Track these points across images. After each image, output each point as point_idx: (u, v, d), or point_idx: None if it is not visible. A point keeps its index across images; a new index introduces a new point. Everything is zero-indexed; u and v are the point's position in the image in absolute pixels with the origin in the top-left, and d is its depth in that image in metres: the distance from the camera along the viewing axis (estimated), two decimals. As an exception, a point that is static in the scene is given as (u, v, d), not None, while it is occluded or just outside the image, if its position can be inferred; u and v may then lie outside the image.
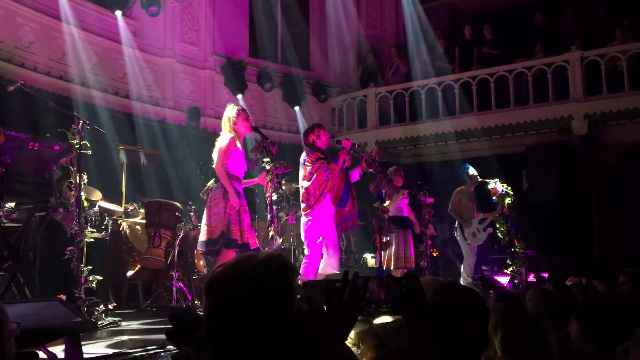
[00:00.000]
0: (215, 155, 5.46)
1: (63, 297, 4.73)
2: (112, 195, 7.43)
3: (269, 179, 5.34)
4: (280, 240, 5.94)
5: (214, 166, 5.47)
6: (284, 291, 1.35)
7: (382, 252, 7.02)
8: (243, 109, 5.60)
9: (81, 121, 5.08)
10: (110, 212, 7.23)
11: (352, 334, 2.13)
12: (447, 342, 1.66)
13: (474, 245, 8.77)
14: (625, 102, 9.78)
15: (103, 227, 6.97)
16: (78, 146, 4.97)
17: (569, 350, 2.25)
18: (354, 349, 2.08)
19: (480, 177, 8.77)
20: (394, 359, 1.57)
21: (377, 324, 2.40)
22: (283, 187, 7.64)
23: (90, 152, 5.17)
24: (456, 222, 8.81)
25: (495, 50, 11.43)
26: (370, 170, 6.29)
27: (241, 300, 1.31)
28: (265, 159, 5.38)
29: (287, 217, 7.82)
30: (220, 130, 5.62)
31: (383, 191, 7.06)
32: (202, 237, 5.33)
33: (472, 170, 8.75)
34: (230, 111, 5.55)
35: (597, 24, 11.48)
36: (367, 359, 2.04)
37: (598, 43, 10.66)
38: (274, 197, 5.48)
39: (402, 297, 1.55)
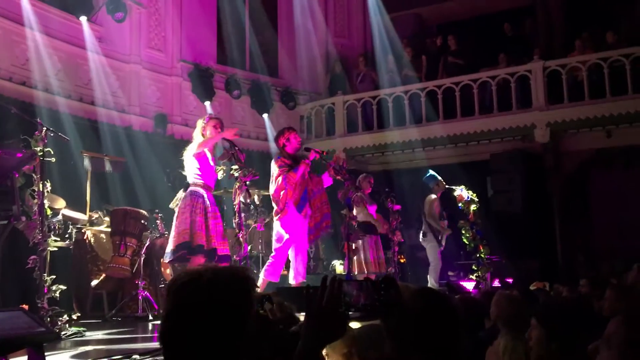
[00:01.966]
0: (187, 155, 5.51)
1: (26, 307, 4.63)
2: (76, 203, 7.29)
3: (237, 186, 5.35)
4: (249, 247, 5.94)
5: (184, 172, 5.53)
6: (235, 303, 1.35)
7: (350, 259, 7.06)
8: (214, 117, 5.70)
9: (44, 128, 4.98)
10: (75, 221, 7.10)
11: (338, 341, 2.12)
12: (424, 348, 1.68)
13: (439, 251, 8.92)
14: (585, 111, 10.07)
15: (67, 236, 6.85)
16: (41, 153, 4.87)
17: (527, 355, 2.31)
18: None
19: (446, 185, 8.92)
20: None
21: (351, 328, 2.40)
22: (251, 195, 7.62)
23: (54, 159, 5.08)
24: (424, 228, 8.91)
25: (459, 60, 11.65)
26: (338, 177, 6.34)
27: (192, 306, 1.32)
28: (234, 167, 5.39)
29: (255, 225, 7.80)
30: (188, 137, 5.67)
31: (351, 198, 7.11)
32: (169, 247, 5.37)
33: (438, 177, 8.90)
34: (201, 120, 5.71)
35: (557, 34, 11.79)
36: None
37: (559, 53, 10.96)
38: (242, 205, 5.52)
39: (381, 301, 1.56)
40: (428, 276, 8.87)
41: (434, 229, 8.84)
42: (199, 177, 5.52)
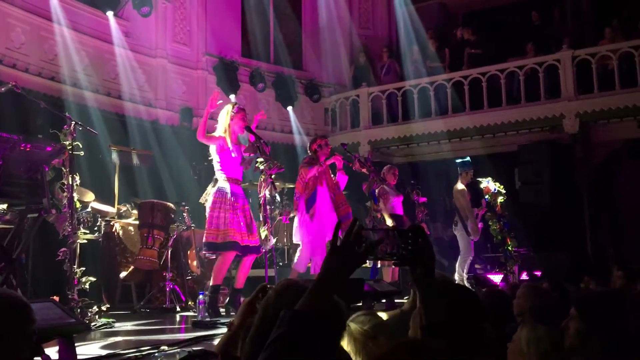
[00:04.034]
0: (212, 151, 5.53)
1: (56, 298, 4.72)
2: (104, 196, 7.40)
3: (262, 179, 5.36)
4: (274, 240, 5.96)
5: (212, 163, 5.56)
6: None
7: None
8: (242, 109, 5.63)
9: (73, 122, 5.05)
10: (103, 213, 7.20)
11: (352, 325, 2.12)
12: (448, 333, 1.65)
13: (471, 241, 8.79)
14: (615, 101, 9.86)
15: (96, 229, 6.94)
16: (70, 147, 4.93)
17: (561, 346, 2.26)
18: (369, 344, 2.06)
19: (473, 176, 8.81)
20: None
21: (381, 316, 2.38)
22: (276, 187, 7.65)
23: (82, 153, 5.14)
24: (455, 218, 8.77)
25: (478, 50, 11.49)
26: (363, 170, 6.33)
27: None
28: (259, 159, 5.39)
29: (280, 217, 7.82)
30: (214, 130, 5.64)
31: (376, 191, 7.08)
32: (204, 238, 5.45)
33: (471, 167, 8.77)
34: (229, 106, 5.61)
35: (586, 22, 11.55)
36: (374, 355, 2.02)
37: (588, 42, 10.73)
38: (268, 197, 5.52)
39: (409, 249, 1.55)
40: (457, 265, 8.74)
41: (464, 218, 8.71)
42: (221, 172, 5.50)
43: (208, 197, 5.63)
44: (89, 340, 4.08)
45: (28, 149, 4.53)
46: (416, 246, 1.55)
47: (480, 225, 8.64)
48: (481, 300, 1.88)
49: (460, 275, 8.56)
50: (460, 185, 8.70)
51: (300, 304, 1.38)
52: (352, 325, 2.11)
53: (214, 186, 5.64)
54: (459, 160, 8.92)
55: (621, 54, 9.94)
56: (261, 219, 5.53)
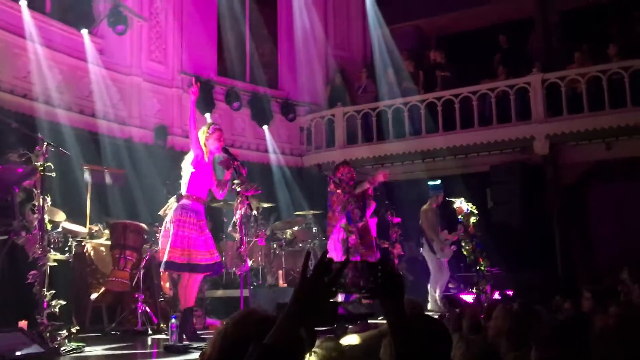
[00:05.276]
0: (185, 165, 5.46)
1: (25, 322, 4.62)
2: (76, 215, 7.29)
3: (239, 201, 5.34)
4: (251, 262, 5.93)
5: (181, 181, 5.49)
6: None
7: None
8: (218, 129, 5.62)
9: (45, 143, 4.98)
10: (74, 233, 7.08)
11: (318, 351, 2.13)
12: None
13: (444, 260, 8.89)
14: (584, 123, 10.10)
15: (67, 249, 6.83)
16: (42, 168, 4.87)
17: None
18: None
19: (446, 196, 8.94)
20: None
21: (344, 345, 2.40)
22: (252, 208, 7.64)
23: (54, 174, 5.07)
24: (422, 239, 8.91)
25: (446, 72, 11.70)
26: (338, 190, 6.36)
27: None
28: (236, 181, 5.38)
29: (256, 239, 7.76)
30: (188, 149, 5.62)
31: (350, 211, 7.12)
32: (164, 257, 5.28)
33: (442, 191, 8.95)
34: (205, 127, 5.59)
35: (556, 47, 11.84)
36: None
37: (558, 66, 11.00)
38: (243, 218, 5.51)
39: (378, 282, 1.56)
40: (429, 286, 8.84)
41: (430, 239, 8.85)
42: (191, 189, 5.44)
43: (169, 212, 5.53)
44: (58, 367, 3.99)
45: (-1, 171, 4.46)
46: (385, 279, 1.58)
47: (453, 247, 8.76)
48: (449, 331, 1.93)
49: (432, 296, 8.65)
50: (426, 207, 8.85)
51: (270, 337, 1.38)
52: (320, 352, 2.13)
53: (177, 201, 5.54)
54: (430, 183, 9.08)
55: (589, 78, 10.21)
56: (236, 240, 5.50)
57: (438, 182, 9.17)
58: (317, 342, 2.14)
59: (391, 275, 1.60)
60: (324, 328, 1.94)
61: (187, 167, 5.46)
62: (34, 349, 2.80)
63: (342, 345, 2.29)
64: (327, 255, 1.46)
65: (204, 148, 5.47)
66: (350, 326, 4.93)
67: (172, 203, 5.58)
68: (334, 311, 1.46)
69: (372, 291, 1.59)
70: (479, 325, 4.00)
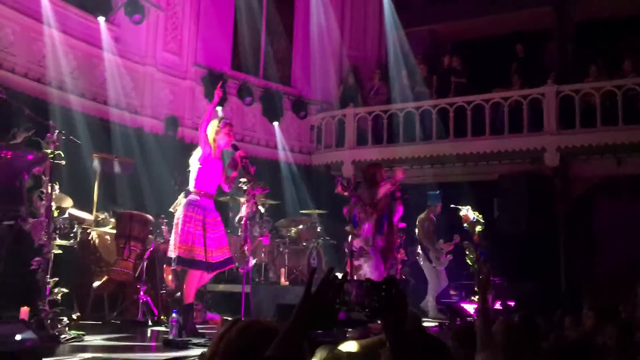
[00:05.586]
0: (193, 160, 5.44)
1: (27, 308, 4.65)
2: (83, 202, 7.30)
3: (245, 199, 5.34)
4: (254, 261, 5.94)
5: (188, 172, 5.47)
6: None
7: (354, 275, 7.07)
8: (229, 124, 5.59)
9: (57, 131, 5.00)
10: (80, 220, 7.11)
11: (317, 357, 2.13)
12: None
13: (441, 269, 8.89)
14: (596, 138, 10.04)
15: (72, 235, 6.85)
16: (52, 156, 4.88)
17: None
18: None
19: (452, 203, 8.92)
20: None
21: (343, 352, 2.40)
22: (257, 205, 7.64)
23: (64, 162, 5.08)
24: (418, 248, 8.92)
25: (462, 79, 11.65)
26: (345, 193, 6.35)
27: None
28: (243, 179, 5.38)
29: (261, 238, 7.75)
30: (198, 141, 5.60)
31: (357, 215, 7.11)
32: (172, 253, 5.30)
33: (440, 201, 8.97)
34: (216, 121, 5.56)
35: (572, 60, 11.76)
36: None
37: (573, 78, 10.94)
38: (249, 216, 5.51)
39: (381, 301, 1.56)
40: (427, 295, 8.88)
41: (426, 248, 8.86)
42: (198, 184, 5.42)
43: (178, 208, 5.54)
44: (57, 356, 4.02)
45: (9, 157, 4.48)
46: (389, 297, 1.57)
47: (449, 257, 8.78)
48: (448, 348, 1.94)
49: (429, 304, 8.68)
50: (423, 216, 8.85)
51: (272, 349, 1.39)
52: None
53: (185, 197, 5.54)
54: (429, 193, 9.07)
55: (604, 92, 10.14)
56: (241, 238, 5.50)
57: (437, 192, 9.16)
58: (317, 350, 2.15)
59: (395, 294, 1.60)
60: (323, 332, 1.94)
61: (194, 163, 5.44)
62: (35, 342, 2.82)
63: (340, 352, 2.30)
64: (344, 275, 1.47)
65: (212, 143, 5.42)
66: (349, 330, 4.93)
67: (181, 199, 5.59)
68: (334, 316, 1.48)
69: (374, 311, 1.59)
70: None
